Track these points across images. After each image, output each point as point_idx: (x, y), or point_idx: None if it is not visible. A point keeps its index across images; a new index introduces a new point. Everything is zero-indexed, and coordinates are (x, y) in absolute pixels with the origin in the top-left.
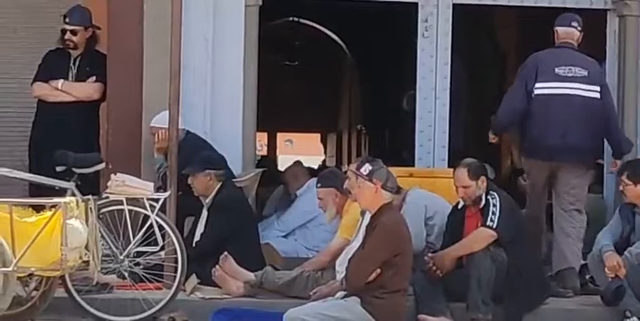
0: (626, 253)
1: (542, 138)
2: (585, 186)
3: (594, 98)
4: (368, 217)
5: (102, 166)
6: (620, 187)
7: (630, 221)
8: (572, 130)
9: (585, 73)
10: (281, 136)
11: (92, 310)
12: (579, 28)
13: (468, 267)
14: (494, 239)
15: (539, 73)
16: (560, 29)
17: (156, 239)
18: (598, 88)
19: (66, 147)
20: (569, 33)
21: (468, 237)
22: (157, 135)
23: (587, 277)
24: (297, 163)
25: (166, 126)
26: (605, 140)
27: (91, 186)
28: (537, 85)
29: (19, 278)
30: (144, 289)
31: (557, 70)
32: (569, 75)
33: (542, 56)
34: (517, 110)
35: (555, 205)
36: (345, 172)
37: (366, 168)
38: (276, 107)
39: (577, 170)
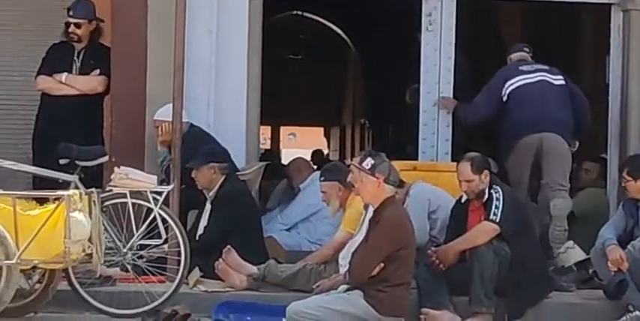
0: (629, 246)
1: (524, 115)
2: (569, 166)
3: (561, 85)
4: (371, 210)
5: (105, 159)
6: (622, 184)
7: (634, 215)
8: (549, 104)
9: (547, 67)
10: (284, 130)
11: (95, 302)
12: (530, 54)
13: (471, 261)
14: (498, 233)
15: (507, 76)
16: (514, 55)
17: (159, 232)
18: (562, 77)
19: (69, 140)
20: (523, 56)
21: (471, 231)
22: (160, 128)
23: (591, 271)
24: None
25: (170, 119)
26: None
27: (94, 179)
28: (507, 83)
29: (22, 271)
30: (147, 282)
31: (521, 68)
32: (533, 69)
33: (507, 67)
34: (484, 116)
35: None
36: (349, 166)
37: (369, 162)
38: (279, 101)
39: (560, 145)
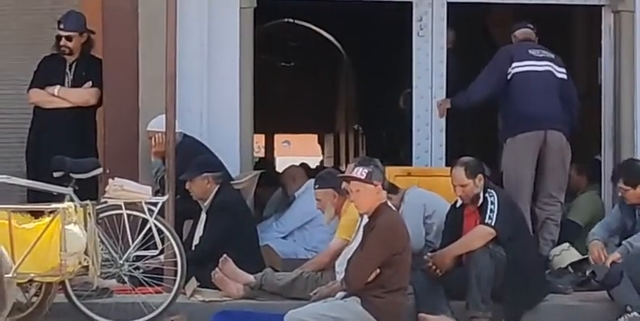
0: (624, 242)
1: (530, 107)
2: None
3: (563, 79)
4: (366, 217)
5: (99, 171)
6: (620, 194)
7: (631, 215)
8: (553, 101)
9: (553, 55)
10: (278, 138)
11: (92, 314)
12: (535, 30)
13: (468, 265)
14: (493, 237)
15: (515, 55)
16: (518, 32)
17: (155, 243)
18: (565, 71)
19: (63, 152)
20: (527, 33)
21: (466, 235)
22: (153, 139)
23: (588, 272)
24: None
25: (163, 130)
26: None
27: (89, 191)
28: (514, 64)
29: (19, 284)
30: (144, 293)
31: (530, 51)
32: (541, 55)
33: (513, 45)
34: (488, 93)
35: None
36: (343, 172)
37: (362, 171)
38: (273, 109)
39: (561, 142)
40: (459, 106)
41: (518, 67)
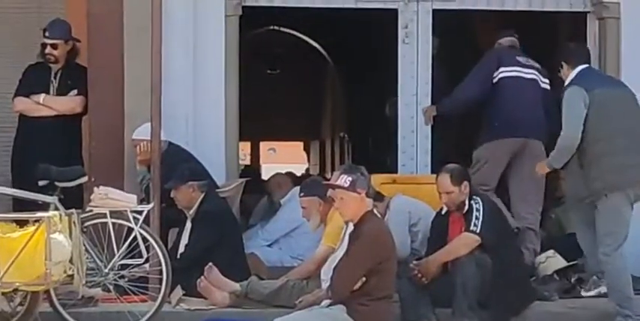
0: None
1: (515, 113)
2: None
3: (546, 89)
4: (351, 225)
5: (85, 179)
6: None
7: None
8: (538, 110)
9: (538, 65)
10: (264, 145)
11: None
12: (519, 39)
13: (453, 272)
14: (479, 244)
15: (502, 60)
16: (503, 40)
17: (140, 251)
18: (548, 82)
19: (48, 161)
20: (512, 41)
21: (452, 242)
22: (139, 147)
23: (573, 279)
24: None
25: (148, 138)
26: None
27: (74, 200)
28: (502, 69)
29: (3, 294)
30: (129, 302)
31: (518, 58)
32: (528, 63)
33: (501, 49)
34: (474, 96)
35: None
36: (329, 180)
37: (346, 179)
38: (258, 116)
39: (541, 151)
40: (445, 111)
41: (505, 71)
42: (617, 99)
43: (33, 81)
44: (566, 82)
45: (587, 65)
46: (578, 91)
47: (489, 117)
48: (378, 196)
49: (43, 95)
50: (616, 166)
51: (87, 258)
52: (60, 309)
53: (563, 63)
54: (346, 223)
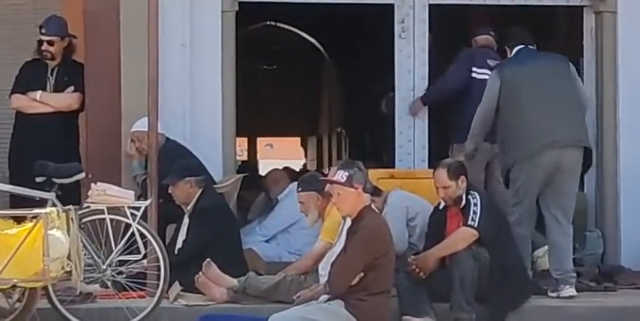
0: None
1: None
2: None
3: None
4: (349, 220)
5: (82, 175)
6: None
7: None
8: None
9: None
10: (261, 141)
11: (76, 320)
12: (495, 38)
13: (451, 267)
14: (476, 238)
15: (475, 60)
16: (479, 38)
17: (138, 247)
18: None
19: (46, 157)
20: (488, 40)
21: (449, 237)
22: (136, 140)
23: None
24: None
25: (146, 129)
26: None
27: (71, 196)
28: (474, 69)
29: (1, 290)
30: (127, 298)
31: (489, 61)
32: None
33: (474, 50)
34: (460, 87)
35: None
36: (326, 175)
37: (343, 175)
38: (255, 112)
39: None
40: (430, 102)
41: (476, 73)
42: (529, 75)
43: (29, 78)
44: None
45: (522, 46)
46: (494, 74)
47: (461, 117)
48: (375, 191)
49: (39, 92)
50: (522, 139)
51: (85, 254)
52: (58, 305)
53: (506, 48)
54: (344, 218)
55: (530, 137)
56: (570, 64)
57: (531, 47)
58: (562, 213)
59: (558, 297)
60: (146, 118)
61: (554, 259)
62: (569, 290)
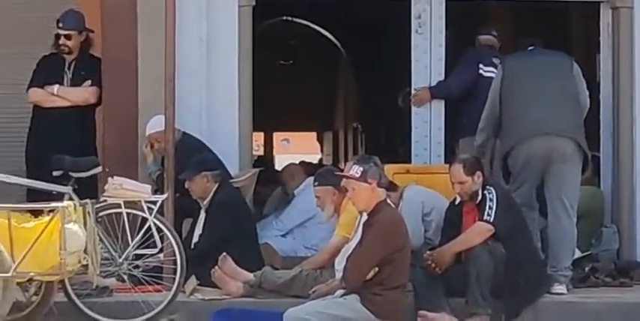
0: None
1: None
2: None
3: None
4: (365, 214)
5: (99, 169)
6: None
7: None
8: None
9: None
10: (277, 136)
11: (92, 313)
12: (498, 38)
13: (467, 262)
14: (492, 233)
15: (482, 58)
16: (482, 37)
17: (154, 241)
18: None
19: (62, 151)
20: (490, 40)
21: (465, 232)
22: (153, 142)
23: (587, 269)
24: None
25: (162, 129)
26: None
27: (88, 190)
28: (481, 66)
29: (18, 283)
30: (143, 292)
31: (494, 60)
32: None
33: (480, 48)
34: (463, 87)
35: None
36: (342, 170)
37: (357, 170)
38: (272, 107)
39: None
40: (441, 95)
41: (483, 70)
42: (529, 66)
43: (47, 72)
44: None
45: (532, 47)
46: (499, 68)
47: (468, 113)
48: (391, 186)
49: (56, 86)
50: (517, 126)
51: (101, 248)
52: (74, 299)
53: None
54: (360, 213)
55: (523, 124)
56: (575, 63)
57: (540, 48)
58: (561, 204)
59: (549, 293)
60: (159, 116)
61: (551, 255)
62: (559, 288)
